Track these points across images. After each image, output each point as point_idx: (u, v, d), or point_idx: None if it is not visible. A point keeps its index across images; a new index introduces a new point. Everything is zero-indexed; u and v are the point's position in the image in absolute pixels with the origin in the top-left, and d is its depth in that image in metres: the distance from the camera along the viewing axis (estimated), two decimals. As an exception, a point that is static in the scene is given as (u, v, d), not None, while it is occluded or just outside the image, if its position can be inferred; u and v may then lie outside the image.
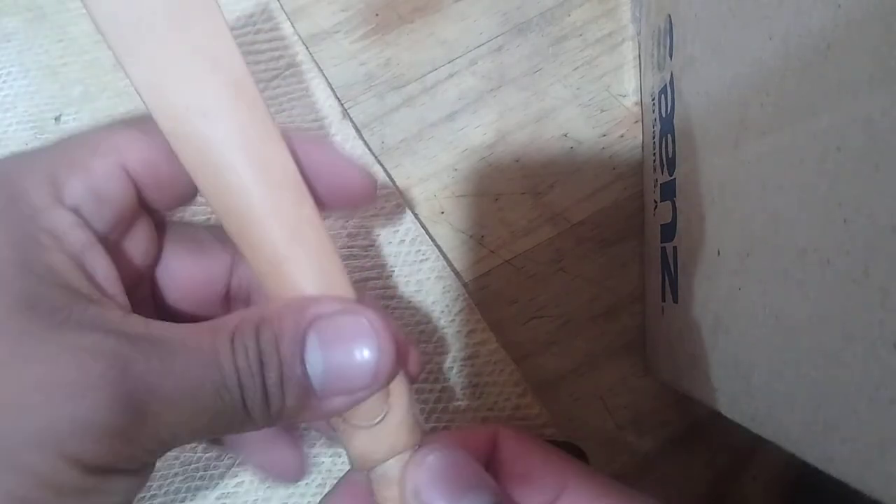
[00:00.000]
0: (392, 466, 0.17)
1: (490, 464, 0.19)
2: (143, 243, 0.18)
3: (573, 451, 0.28)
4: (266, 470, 0.22)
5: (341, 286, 0.17)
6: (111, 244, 0.17)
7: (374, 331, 0.16)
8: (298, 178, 0.16)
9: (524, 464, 0.19)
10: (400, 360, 0.17)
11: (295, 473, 0.22)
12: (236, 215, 0.16)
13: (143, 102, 0.15)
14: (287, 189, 0.16)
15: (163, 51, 0.15)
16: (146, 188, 0.17)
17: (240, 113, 0.16)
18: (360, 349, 0.15)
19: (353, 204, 0.19)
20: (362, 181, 0.19)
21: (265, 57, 0.30)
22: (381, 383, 0.16)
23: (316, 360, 0.15)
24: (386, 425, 0.17)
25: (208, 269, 0.20)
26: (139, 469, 0.15)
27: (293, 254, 0.16)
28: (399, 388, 0.17)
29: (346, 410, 0.16)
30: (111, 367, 0.13)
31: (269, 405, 0.15)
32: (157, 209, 0.18)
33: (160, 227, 0.19)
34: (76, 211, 0.15)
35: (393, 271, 0.29)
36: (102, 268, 0.15)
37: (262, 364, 0.15)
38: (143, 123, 0.17)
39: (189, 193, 0.18)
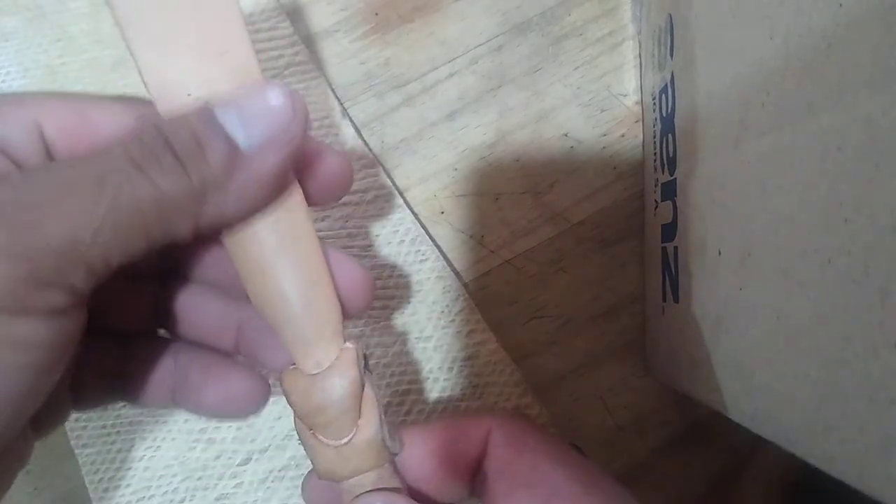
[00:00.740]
0: (356, 485, 0.17)
1: (480, 466, 0.19)
2: None
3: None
4: (224, 402, 0.19)
5: (326, 300, 0.17)
6: None
7: (277, 83, 0.15)
8: (292, 179, 0.16)
9: (511, 475, 0.18)
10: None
11: (255, 399, 0.19)
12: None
13: (145, 85, 0.15)
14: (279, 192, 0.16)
15: (171, 32, 0.14)
16: (59, 156, 0.16)
17: None
18: (270, 96, 0.14)
19: (332, 192, 0.18)
20: (341, 167, 0.18)
21: (264, 56, 0.30)
22: (300, 124, 0.15)
23: (230, 117, 0.14)
24: (353, 445, 0.16)
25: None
26: (58, 308, 0.13)
27: (280, 261, 0.16)
28: (369, 408, 0.17)
29: (280, 169, 0.15)
30: None
31: (184, 170, 0.14)
32: None
33: None
34: None
35: (393, 271, 0.28)
36: None
37: (163, 133, 0.14)
38: (71, 96, 0.16)
39: None
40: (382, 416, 0.17)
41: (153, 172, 0.14)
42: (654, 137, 0.28)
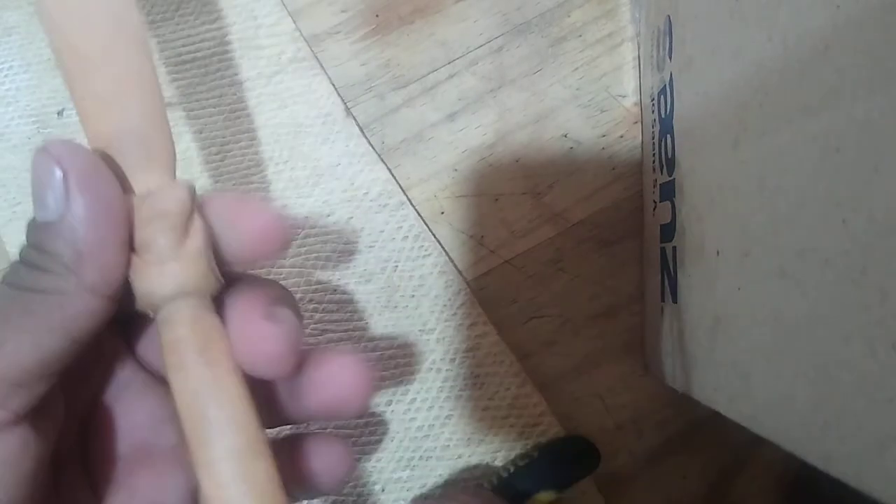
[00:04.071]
0: (179, 308, 0.16)
1: None
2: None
3: (585, 446, 0.28)
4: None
5: (163, 132, 0.17)
6: None
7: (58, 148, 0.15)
8: (138, 26, 0.17)
9: None
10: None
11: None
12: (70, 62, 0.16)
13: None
14: (123, 39, 0.16)
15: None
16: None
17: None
18: (38, 164, 0.15)
19: (265, 254, 0.17)
20: (272, 228, 0.17)
21: (266, 52, 0.30)
22: (69, 162, 0.15)
23: (35, 210, 0.15)
24: (175, 262, 0.15)
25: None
26: None
27: (125, 99, 0.16)
28: (197, 231, 0.16)
29: (98, 208, 0.15)
30: None
31: (44, 268, 0.15)
32: None
33: None
34: None
35: (396, 266, 0.29)
36: None
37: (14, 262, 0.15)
38: None
39: None
40: (210, 244, 0.16)
41: (15, 282, 0.15)
42: (653, 138, 0.28)
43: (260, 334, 0.16)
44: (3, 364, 0.14)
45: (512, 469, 0.27)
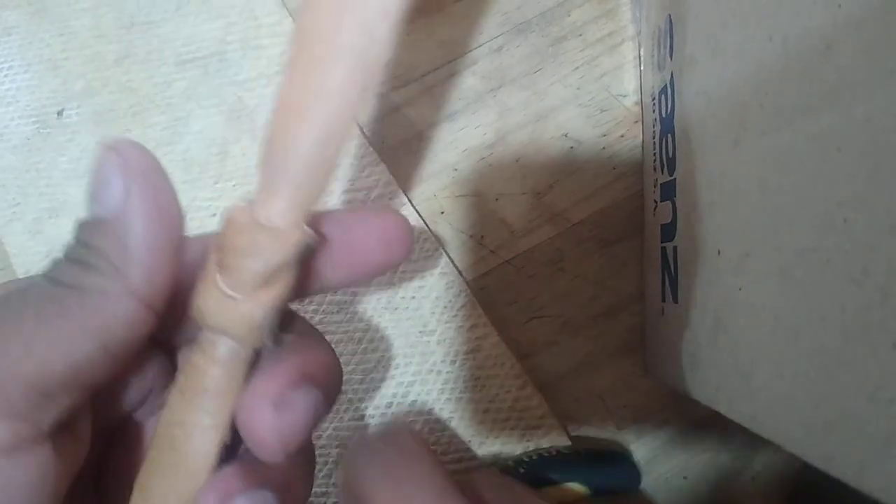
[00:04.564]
0: (217, 343, 0.15)
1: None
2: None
3: (627, 460, 0.28)
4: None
5: (328, 174, 0.16)
6: None
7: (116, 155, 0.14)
8: None
9: None
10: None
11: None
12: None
13: None
14: None
15: None
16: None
17: None
18: (102, 158, 0.14)
19: (392, 260, 0.17)
20: (399, 232, 0.17)
21: (267, 52, 0.30)
22: (134, 160, 0.14)
23: (88, 205, 0.14)
24: (241, 303, 0.15)
25: None
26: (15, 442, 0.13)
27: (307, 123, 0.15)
28: (279, 288, 0.15)
29: (146, 206, 0.14)
30: None
31: (89, 265, 0.14)
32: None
33: None
34: None
35: (397, 267, 0.29)
36: None
37: (58, 257, 0.14)
38: None
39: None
40: (281, 308, 0.16)
41: (61, 278, 0.14)
42: (654, 138, 0.28)
43: (259, 419, 0.15)
44: (31, 367, 0.13)
45: (534, 457, 0.27)
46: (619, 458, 0.28)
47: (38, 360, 0.13)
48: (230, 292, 0.15)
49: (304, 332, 0.17)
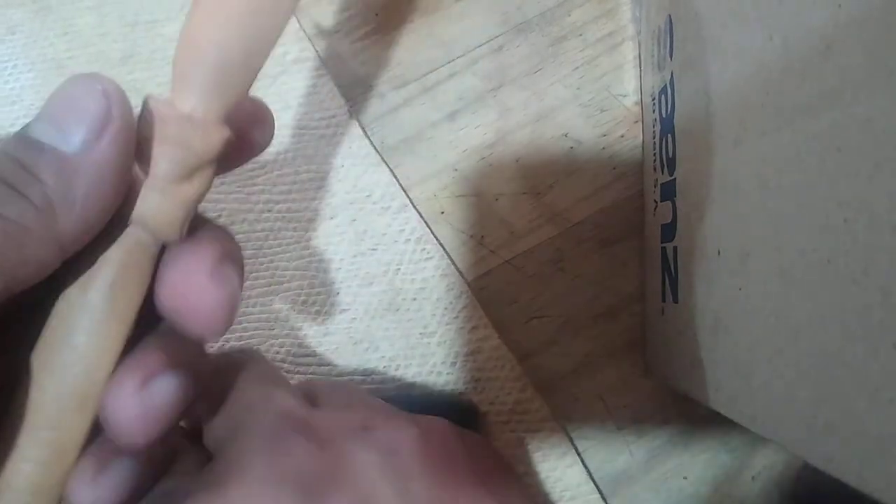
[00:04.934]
0: (129, 233, 0.15)
1: None
2: None
3: (467, 409, 0.28)
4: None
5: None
6: None
7: (80, 77, 0.14)
8: None
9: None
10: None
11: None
12: None
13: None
14: None
15: None
16: None
17: None
18: (74, 93, 0.14)
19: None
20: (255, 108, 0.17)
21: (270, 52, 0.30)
22: (118, 107, 0.14)
23: (44, 128, 0.13)
24: (162, 195, 0.14)
25: None
26: None
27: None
28: (204, 176, 0.15)
29: (118, 157, 0.14)
30: None
31: (21, 195, 0.13)
32: None
33: None
34: None
35: (398, 269, 0.29)
36: None
37: None
38: None
39: None
40: (200, 202, 0.15)
41: None
42: (654, 138, 0.28)
43: (201, 291, 0.15)
44: None
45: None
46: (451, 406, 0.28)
47: None
48: (151, 183, 0.14)
49: (207, 226, 0.17)
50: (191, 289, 0.15)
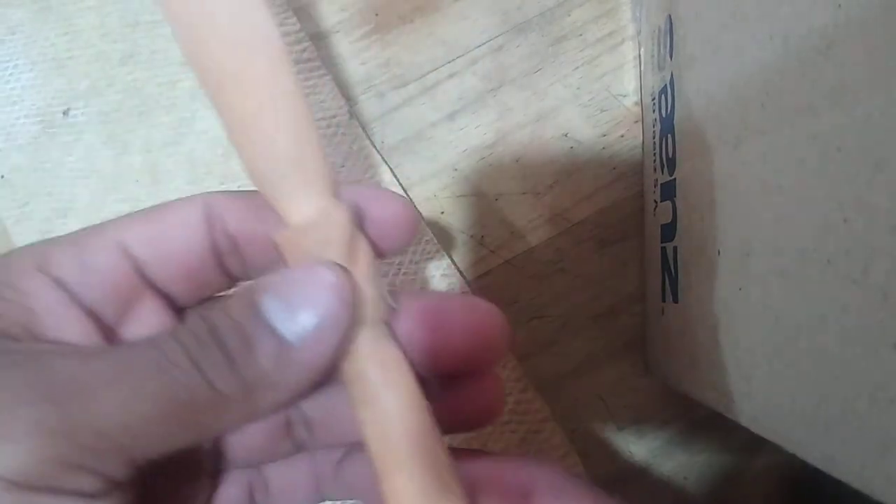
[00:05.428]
0: (360, 344, 0.15)
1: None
2: (148, 326, 0.16)
3: None
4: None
5: (315, 154, 0.16)
6: (108, 323, 0.16)
7: (326, 266, 0.14)
8: (279, 43, 0.15)
9: None
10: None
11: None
12: (214, 73, 0.15)
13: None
14: (264, 52, 0.15)
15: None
16: (150, 266, 0.16)
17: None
18: (318, 282, 0.14)
19: (398, 241, 0.17)
20: (404, 217, 0.17)
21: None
22: (349, 309, 0.14)
23: (275, 307, 0.14)
24: None
25: None
26: (87, 493, 0.13)
27: (269, 117, 0.15)
28: (363, 258, 0.16)
29: (332, 359, 0.15)
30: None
31: (236, 369, 0.13)
32: (174, 295, 0.17)
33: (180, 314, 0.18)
34: (59, 280, 0.15)
35: (399, 269, 0.29)
36: (72, 325, 0.14)
37: (215, 330, 0.14)
38: (142, 210, 0.16)
39: (211, 282, 0.17)
40: (378, 270, 0.16)
41: (207, 369, 0.13)
42: (654, 138, 0.28)
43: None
44: (115, 409, 0.13)
45: None
46: None
47: (118, 416, 0.13)
48: None
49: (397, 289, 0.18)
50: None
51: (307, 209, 0.15)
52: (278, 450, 0.18)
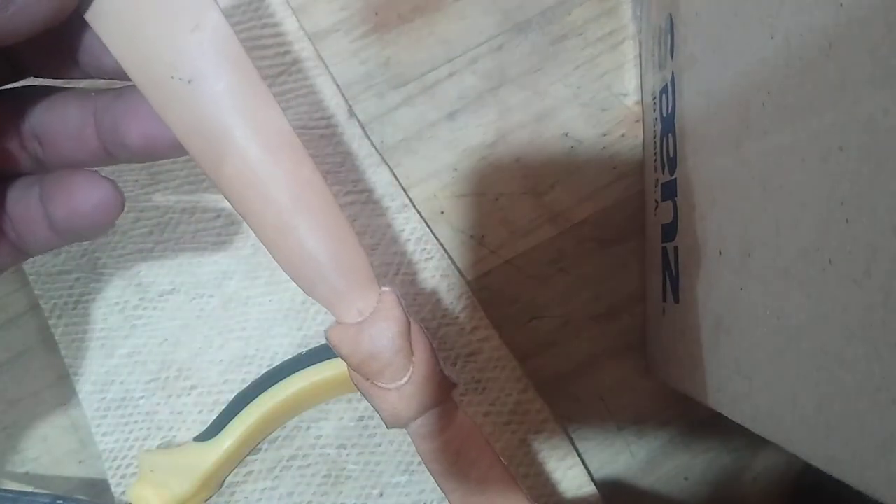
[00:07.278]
0: (425, 423, 0.17)
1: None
2: None
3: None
4: (70, 215, 0.18)
5: (351, 249, 0.16)
6: None
7: None
8: (295, 139, 0.16)
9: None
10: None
11: (105, 210, 0.17)
12: (235, 181, 0.15)
13: (123, 68, 0.15)
14: (284, 150, 0.16)
15: (138, 9, 0.14)
16: None
17: (228, 75, 0.15)
18: None
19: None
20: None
21: (271, 52, 0.30)
22: None
23: None
24: (414, 383, 0.16)
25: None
26: None
27: (298, 220, 0.16)
28: (421, 344, 0.17)
29: None
30: None
31: None
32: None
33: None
34: None
35: (399, 269, 0.29)
36: None
37: None
38: None
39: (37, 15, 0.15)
40: (435, 349, 0.17)
41: None
42: (655, 137, 0.28)
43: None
44: None
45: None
46: None
47: None
48: (402, 382, 0.16)
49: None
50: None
51: (360, 307, 0.17)
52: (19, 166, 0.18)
